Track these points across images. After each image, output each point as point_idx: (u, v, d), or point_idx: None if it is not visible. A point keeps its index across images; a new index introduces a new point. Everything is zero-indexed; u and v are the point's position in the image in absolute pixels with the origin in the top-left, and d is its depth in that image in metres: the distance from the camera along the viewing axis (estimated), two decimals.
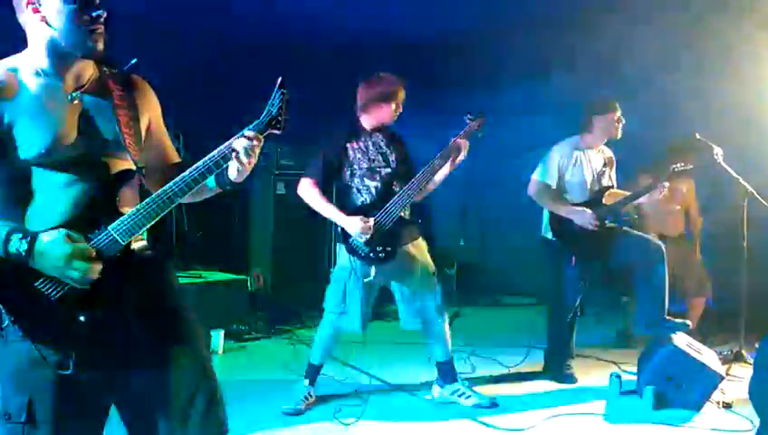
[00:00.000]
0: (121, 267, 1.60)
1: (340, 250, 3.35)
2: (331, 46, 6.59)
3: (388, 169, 3.35)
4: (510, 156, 5.60)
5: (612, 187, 3.97)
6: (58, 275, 1.51)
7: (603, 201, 3.89)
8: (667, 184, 3.76)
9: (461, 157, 3.31)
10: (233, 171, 1.71)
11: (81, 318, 1.54)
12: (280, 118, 1.70)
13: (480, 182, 6.39)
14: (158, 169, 1.83)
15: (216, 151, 1.66)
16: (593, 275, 4.01)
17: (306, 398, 3.40)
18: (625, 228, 3.99)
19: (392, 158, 3.40)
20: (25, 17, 1.60)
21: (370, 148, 3.38)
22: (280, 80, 1.72)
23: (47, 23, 1.58)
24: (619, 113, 3.90)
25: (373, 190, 3.33)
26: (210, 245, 6.13)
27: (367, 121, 3.40)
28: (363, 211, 3.25)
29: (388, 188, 3.31)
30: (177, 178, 1.63)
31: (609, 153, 4.09)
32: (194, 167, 1.65)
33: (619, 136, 3.93)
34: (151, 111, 1.83)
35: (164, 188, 1.62)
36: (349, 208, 3.28)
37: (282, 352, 4.55)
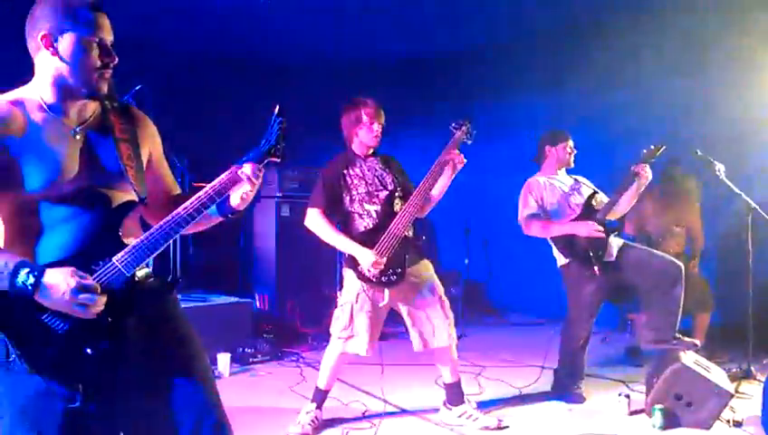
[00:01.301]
0: (126, 298, 1.62)
1: (348, 274, 3.37)
2: (334, 68, 6.66)
3: (386, 192, 3.38)
4: (512, 172, 5.63)
5: (596, 192, 3.97)
6: (63, 309, 1.52)
7: (595, 207, 3.88)
8: (643, 165, 3.69)
9: (458, 167, 3.32)
10: (235, 199, 1.76)
11: (88, 351, 1.56)
12: (278, 146, 1.75)
13: (483, 199, 6.41)
14: (159, 200, 1.86)
15: (217, 181, 1.71)
16: (608, 292, 3.99)
17: (313, 422, 3.38)
18: (644, 247, 3.99)
19: (389, 179, 3.43)
20: (36, 48, 1.63)
21: (366, 172, 3.41)
22: (277, 108, 1.77)
23: (60, 58, 1.61)
24: (570, 144, 4.06)
25: (374, 214, 3.35)
26: (215, 268, 6.16)
27: (357, 148, 3.45)
28: (368, 235, 3.27)
29: (389, 210, 3.32)
30: (179, 209, 1.66)
31: (578, 177, 4.13)
32: (195, 197, 1.68)
33: (572, 165, 4.09)
34: (151, 144, 1.86)
35: (167, 218, 1.65)
36: (353, 234, 3.31)
37: (288, 375, 4.54)
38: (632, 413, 3.60)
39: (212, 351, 4.51)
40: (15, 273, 1.48)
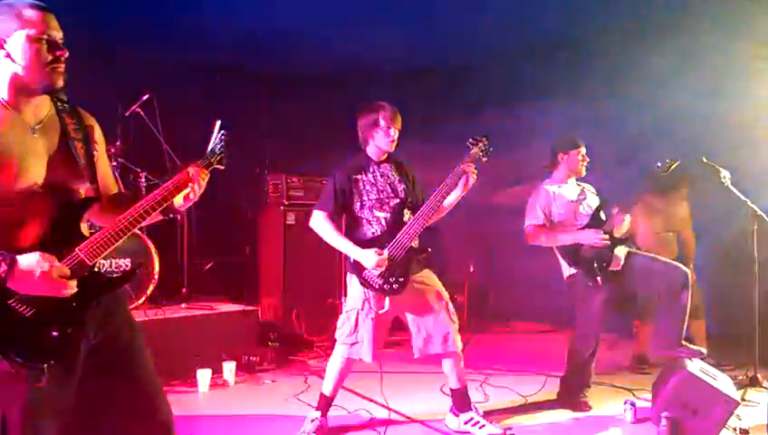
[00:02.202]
0: (88, 286, 1.72)
1: (352, 281, 3.37)
2: (337, 78, 6.69)
3: (397, 200, 3.38)
4: (518, 179, 5.65)
5: (604, 203, 3.97)
6: (37, 290, 1.60)
7: (603, 219, 3.89)
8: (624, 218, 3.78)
9: (470, 183, 3.34)
10: (178, 200, 1.94)
11: (54, 333, 1.64)
12: (222, 156, 2.02)
13: (488, 206, 6.40)
14: (102, 197, 1.97)
15: (168, 182, 1.88)
16: (617, 301, 3.99)
17: (318, 430, 3.38)
18: (650, 254, 3.99)
19: (401, 188, 3.43)
20: None
21: (379, 179, 3.42)
22: (219, 123, 2.03)
23: (11, 58, 1.70)
24: (583, 151, 4.03)
25: (383, 221, 3.35)
26: (221, 276, 6.18)
27: (371, 152, 3.45)
28: (374, 242, 3.28)
29: (398, 219, 3.33)
30: (136, 207, 1.81)
31: (585, 185, 4.14)
32: (150, 196, 1.84)
33: (583, 173, 4.06)
34: (98, 144, 1.98)
35: (124, 215, 1.79)
36: (359, 240, 3.31)
37: (294, 383, 4.54)
38: (638, 421, 3.60)
39: (217, 359, 4.53)
40: None
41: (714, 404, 3.31)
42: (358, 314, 3.33)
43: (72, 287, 1.65)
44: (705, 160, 4.14)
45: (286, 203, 5.88)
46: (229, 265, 6.40)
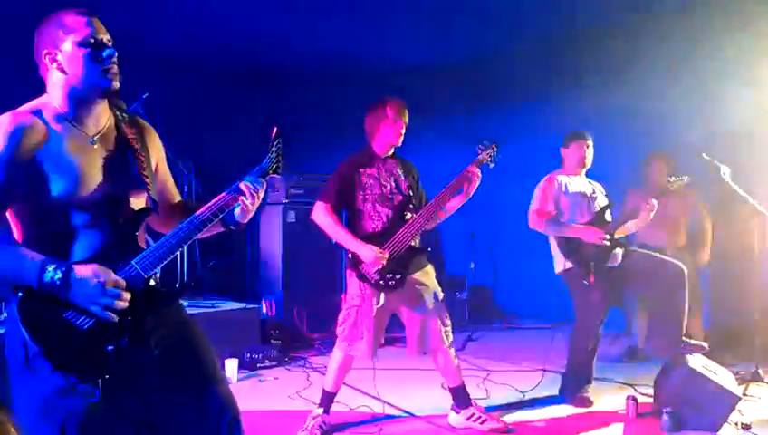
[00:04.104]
0: (144, 299, 1.68)
1: (351, 278, 3.38)
2: (339, 75, 6.68)
3: (400, 197, 3.39)
4: (518, 177, 5.64)
5: (610, 205, 3.99)
6: (88, 305, 1.56)
7: (607, 219, 3.90)
8: (654, 201, 3.77)
9: (473, 186, 3.34)
10: (237, 211, 1.88)
11: (109, 348, 1.60)
12: (278, 164, 1.96)
13: (489, 204, 6.40)
14: (163, 207, 1.93)
15: (225, 192, 1.83)
16: (614, 297, 3.99)
17: (321, 426, 3.39)
18: (645, 251, 4.00)
19: (405, 185, 3.44)
20: (45, 68, 1.72)
21: (383, 174, 3.42)
22: (275, 130, 1.96)
23: (64, 71, 1.68)
24: (587, 144, 4.04)
25: (384, 217, 3.36)
26: (222, 274, 6.19)
27: (378, 147, 3.45)
28: (374, 237, 3.28)
29: (400, 216, 3.34)
30: (192, 217, 1.77)
31: (595, 184, 4.14)
32: (206, 207, 1.79)
33: (588, 165, 4.08)
34: (158, 154, 1.96)
35: (181, 226, 1.75)
36: (359, 234, 3.32)
37: (295, 380, 4.55)
38: (639, 417, 3.60)
39: (219, 357, 4.52)
40: (44, 269, 1.53)
41: (715, 399, 3.32)
42: (357, 312, 3.33)
43: (126, 300, 1.62)
44: (705, 156, 4.14)
45: (286, 201, 5.88)
46: (230, 263, 6.42)
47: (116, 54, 1.71)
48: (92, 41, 1.68)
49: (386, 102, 3.41)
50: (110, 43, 1.72)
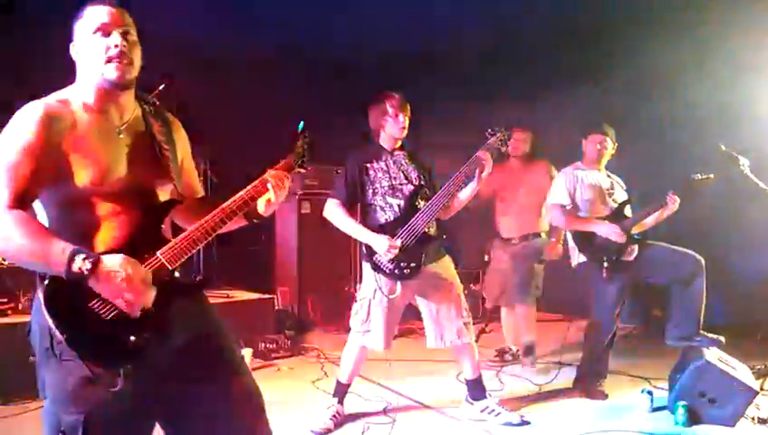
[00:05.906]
0: (168, 291, 1.68)
1: (366, 268, 3.39)
2: (352, 65, 6.66)
3: (411, 186, 3.39)
4: None
5: (629, 201, 3.96)
6: (114, 295, 1.55)
7: (626, 214, 3.87)
8: (674, 197, 3.77)
9: (485, 172, 3.33)
10: (261, 205, 1.89)
11: (132, 338, 1.60)
12: (304, 159, 1.98)
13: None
14: (187, 201, 1.94)
15: (250, 186, 1.84)
16: (631, 290, 3.97)
17: (335, 416, 3.41)
18: (661, 243, 3.96)
19: (414, 175, 3.44)
20: (74, 60, 1.75)
21: (392, 166, 3.43)
22: (302, 124, 1.97)
23: (83, 59, 1.71)
24: (599, 139, 4.01)
25: (396, 208, 3.36)
26: (237, 264, 6.21)
27: (384, 141, 3.46)
28: (387, 228, 3.29)
29: (412, 205, 3.34)
30: (217, 211, 1.77)
31: (615, 178, 4.12)
32: (231, 200, 1.79)
33: (604, 159, 4.05)
34: (183, 147, 1.96)
35: (207, 218, 1.76)
36: (372, 226, 3.33)
37: (310, 370, 4.57)
38: (655, 410, 3.58)
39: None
40: (72, 258, 1.52)
41: (732, 394, 3.30)
42: (370, 303, 3.34)
43: (150, 298, 1.61)
44: (723, 148, 4.08)
45: (301, 192, 5.90)
46: (245, 253, 6.45)
47: (124, 43, 1.69)
48: (99, 29, 1.68)
49: (385, 98, 3.43)
50: (124, 34, 1.70)
